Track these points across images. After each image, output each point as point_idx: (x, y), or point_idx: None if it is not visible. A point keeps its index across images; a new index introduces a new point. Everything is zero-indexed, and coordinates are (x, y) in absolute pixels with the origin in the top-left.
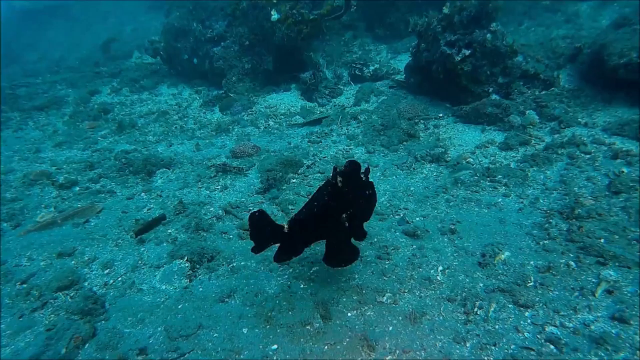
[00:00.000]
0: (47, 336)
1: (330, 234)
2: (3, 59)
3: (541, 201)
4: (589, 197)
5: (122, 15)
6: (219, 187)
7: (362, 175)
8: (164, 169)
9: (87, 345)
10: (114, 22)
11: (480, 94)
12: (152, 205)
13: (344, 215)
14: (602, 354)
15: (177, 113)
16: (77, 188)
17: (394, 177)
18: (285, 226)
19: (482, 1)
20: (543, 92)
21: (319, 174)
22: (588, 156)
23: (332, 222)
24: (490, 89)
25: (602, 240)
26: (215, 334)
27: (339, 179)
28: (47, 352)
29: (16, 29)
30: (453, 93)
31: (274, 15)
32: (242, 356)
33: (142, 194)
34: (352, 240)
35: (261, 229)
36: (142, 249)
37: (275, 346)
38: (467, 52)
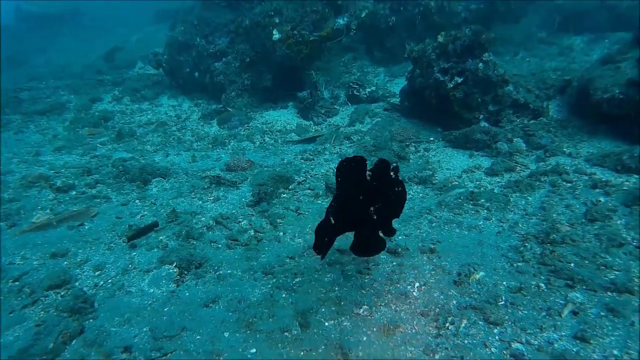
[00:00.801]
0: (36, 331)
1: (359, 226)
2: (11, 62)
3: (520, 225)
4: (566, 224)
5: (131, 25)
6: (212, 198)
7: (391, 173)
8: (160, 178)
9: (74, 341)
10: (122, 31)
11: (470, 120)
12: (145, 213)
13: (371, 209)
14: None
15: (176, 124)
16: (74, 192)
17: None
18: (332, 219)
19: (475, 32)
20: (532, 121)
21: (309, 190)
22: (569, 185)
23: (361, 214)
24: (481, 116)
25: (572, 265)
26: (198, 337)
27: (368, 173)
28: (35, 347)
29: (25, 34)
30: (445, 118)
31: (276, 35)
32: (222, 358)
33: (137, 201)
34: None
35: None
36: (134, 254)
37: (254, 350)
38: (460, 80)
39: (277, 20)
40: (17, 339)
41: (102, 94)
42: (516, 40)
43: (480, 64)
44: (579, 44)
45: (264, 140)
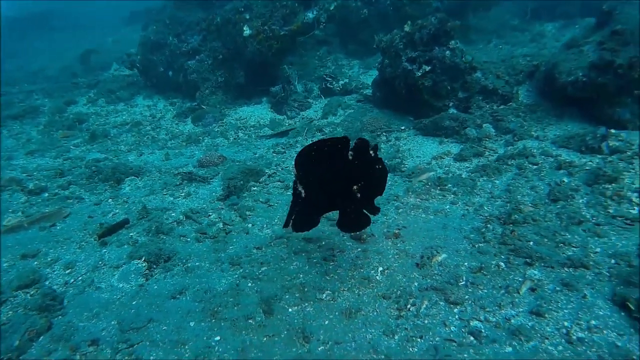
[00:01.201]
0: (2, 330)
1: (343, 204)
2: None
3: (485, 208)
4: (529, 204)
5: (107, 26)
6: (183, 194)
7: (371, 152)
8: (133, 177)
9: (41, 337)
10: (99, 33)
11: (440, 108)
12: (117, 211)
13: (354, 187)
14: (516, 344)
15: (151, 124)
16: (47, 194)
17: None
18: (302, 191)
19: (441, 20)
20: (501, 107)
21: (279, 183)
22: (535, 167)
23: (344, 192)
24: (450, 104)
25: (531, 243)
26: (164, 327)
27: (350, 153)
28: (0, 345)
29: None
30: (415, 107)
31: (246, 31)
32: (187, 346)
33: (110, 200)
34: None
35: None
36: (104, 251)
37: (218, 337)
38: (428, 68)
39: (247, 17)
40: None
41: (77, 96)
42: (490, 29)
43: (447, 52)
44: (550, 30)
45: (238, 135)
